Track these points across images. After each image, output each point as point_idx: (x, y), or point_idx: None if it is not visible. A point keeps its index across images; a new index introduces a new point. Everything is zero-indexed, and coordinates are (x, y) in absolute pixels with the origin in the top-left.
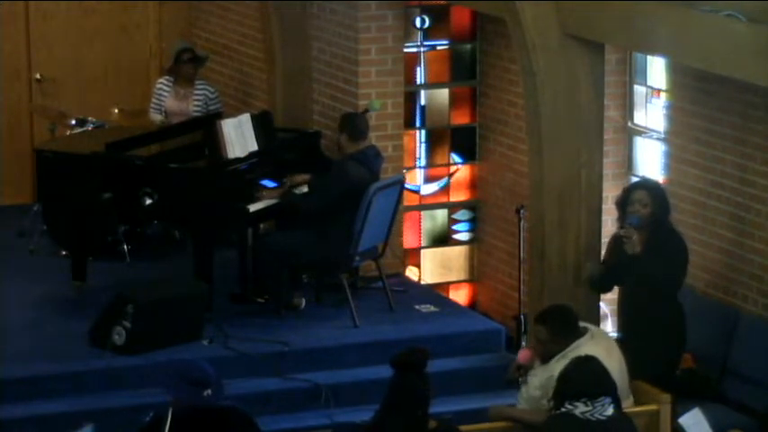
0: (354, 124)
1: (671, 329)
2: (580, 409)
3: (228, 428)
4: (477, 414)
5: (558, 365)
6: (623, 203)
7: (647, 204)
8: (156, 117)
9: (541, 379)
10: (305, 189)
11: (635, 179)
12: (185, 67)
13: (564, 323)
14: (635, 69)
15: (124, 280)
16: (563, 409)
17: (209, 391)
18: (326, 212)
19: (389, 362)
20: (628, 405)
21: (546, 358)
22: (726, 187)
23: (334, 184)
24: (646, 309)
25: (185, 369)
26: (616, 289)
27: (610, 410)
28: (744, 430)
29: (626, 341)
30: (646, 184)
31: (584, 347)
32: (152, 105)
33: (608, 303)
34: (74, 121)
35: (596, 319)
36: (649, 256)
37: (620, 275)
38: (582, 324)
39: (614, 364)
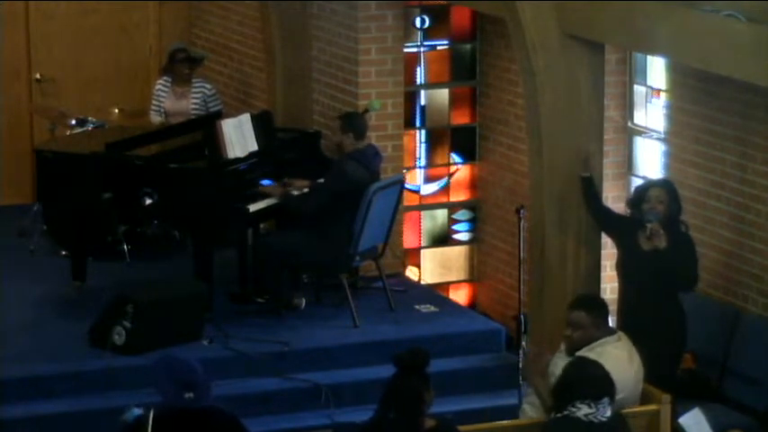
0: (359, 124)
1: (672, 329)
2: (583, 411)
3: (212, 430)
4: (478, 414)
5: None
6: (637, 201)
7: (662, 201)
8: (156, 119)
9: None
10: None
11: (635, 179)
12: (179, 66)
13: (602, 311)
14: (635, 69)
15: (124, 280)
16: (565, 412)
17: (192, 395)
18: (325, 212)
19: (392, 360)
20: (633, 407)
21: (576, 348)
22: (726, 187)
23: (332, 183)
24: (647, 308)
25: (173, 367)
26: (616, 288)
27: (609, 411)
28: (744, 430)
29: None
30: (661, 183)
31: (610, 346)
32: (152, 107)
33: (608, 303)
34: (74, 121)
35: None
36: (671, 253)
37: (617, 226)
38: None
39: (634, 369)
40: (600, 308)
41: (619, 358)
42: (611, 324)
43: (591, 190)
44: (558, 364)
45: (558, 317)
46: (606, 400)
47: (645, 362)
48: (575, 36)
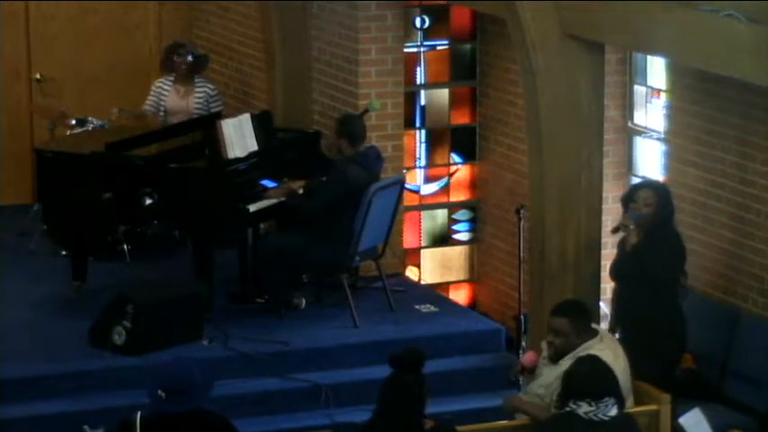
0: (353, 129)
1: (669, 330)
2: (584, 408)
3: None
4: (477, 414)
5: (566, 365)
6: (627, 199)
7: (650, 204)
8: (149, 112)
9: (549, 378)
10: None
11: (635, 179)
12: (178, 63)
13: (585, 316)
14: (635, 69)
15: (124, 280)
16: (566, 409)
17: (164, 395)
18: (326, 214)
19: (388, 360)
20: (628, 405)
21: (560, 355)
22: (726, 187)
23: (333, 187)
24: (644, 308)
25: (160, 369)
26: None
27: (613, 411)
28: (744, 430)
29: (624, 341)
30: (653, 185)
31: (594, 349)
32: (147, 103)
33: (608, 303)
34: (74, 121)
35: (596, 319)
36: (645, 249)
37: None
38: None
39: (620, 367)
40: (582, 314)
41: (603, 357)
42: (608, 325)
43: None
44: (543, 368)
45: None
46: (609, 400)
47: (643, 362)
48: (575, 36)
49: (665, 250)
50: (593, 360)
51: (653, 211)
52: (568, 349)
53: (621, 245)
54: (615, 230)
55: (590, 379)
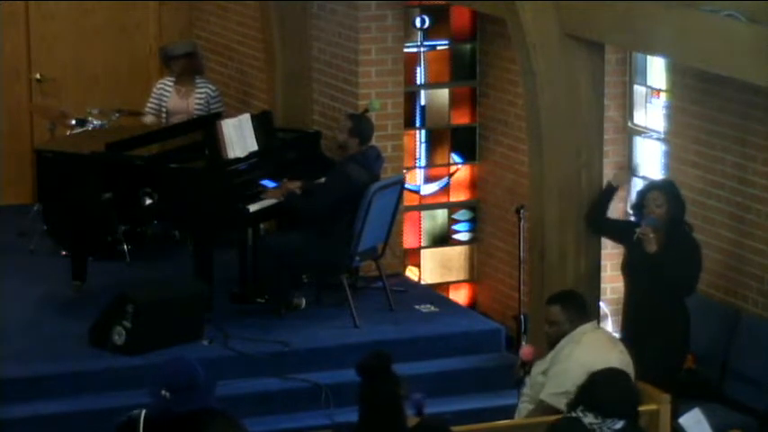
0: (365, 129)
1: (676, 332)
2: (589, 419)
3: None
4: (477, 414)
5: (562, 348)
6: (638, 206)
7: (661, 204)
8: (149, 119)
9: (545, 362)
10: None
11: (635, 179)
12: (174, 63)
13: (579, 305)
14: (635, 69)
15: (124, 280)
16: (573, 414)
17: (168, 394)
18: (326, 213)
19: (357, 369)
20: None
21: (554, 342)
22: (726, 187)
23: (335, 186)
24: (652, 310)
25: (162, 367)
26: (620, 289)
27: (620, 424)
28: (744, 430)
29: (629, 342)
30: (659, 185)
31: (589, 333)
32: (149, 106)
33: (608, 303)
34: (74, 121)
35: (596, 318)
36: (668, 257)
37: (616, 232)
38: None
39: (617, 354)
40: (574, 301)
41: (599, 340)
42: (611, 323)
43: (607, 200)
44: (540, 366)
45: None
46: (618, 421)
47: (648, 363)
48: (575, 36)
49: (686, 263)
50: (616, 375)
51: (665, 211)
52: (562, 335)
53: (637, 243)
54: (638, 241)
55: (605, 394)
